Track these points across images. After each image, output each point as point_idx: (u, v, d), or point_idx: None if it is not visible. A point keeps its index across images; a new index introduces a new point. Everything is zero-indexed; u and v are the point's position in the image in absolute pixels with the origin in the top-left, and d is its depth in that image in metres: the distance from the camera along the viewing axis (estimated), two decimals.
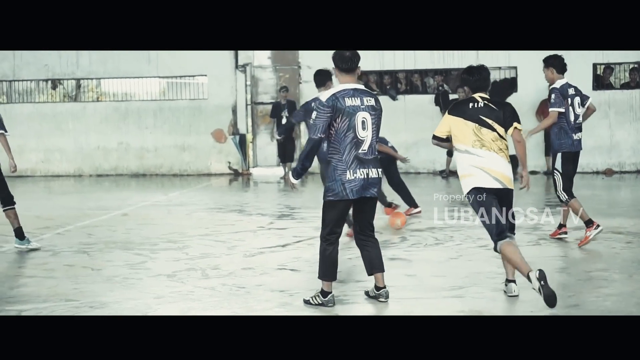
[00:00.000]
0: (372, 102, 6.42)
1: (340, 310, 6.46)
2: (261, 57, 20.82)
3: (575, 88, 9.25)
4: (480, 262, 8.32)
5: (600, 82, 18.82)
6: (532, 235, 9.73)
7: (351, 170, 6.31)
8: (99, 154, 20.32)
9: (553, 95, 8.98)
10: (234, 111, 19.92)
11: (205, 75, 20.04)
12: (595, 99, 18.49)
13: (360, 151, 6.33)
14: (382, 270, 6.64)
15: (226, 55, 19.72)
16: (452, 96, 18.67)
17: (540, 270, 6.14)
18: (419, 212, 11.46)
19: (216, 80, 19.87)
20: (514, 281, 6.78)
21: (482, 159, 6.55)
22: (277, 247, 9.39)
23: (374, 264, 6.62)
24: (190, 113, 20.05)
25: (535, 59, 18.22)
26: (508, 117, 6.68)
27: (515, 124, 6.67)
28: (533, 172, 17.58)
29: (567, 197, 9.13)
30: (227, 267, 8.20)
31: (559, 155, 9.16)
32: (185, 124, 20.07)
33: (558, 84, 9.08)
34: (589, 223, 9.14)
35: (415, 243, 9.50)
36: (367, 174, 6.36)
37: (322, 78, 8.83)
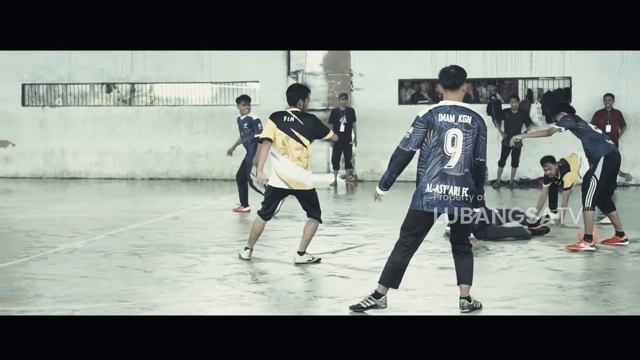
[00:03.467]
0: (468, 120, 6.35)
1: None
2: (313, 64, 20.89)
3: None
4: (532, 273, 8.24)
5: None
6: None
7: (431, 184, 6.34)
8: (151, 158, 20.53)
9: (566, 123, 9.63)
10: None
11: (258, 82, 20.12)
12: None
13: (445, 167, 6.32)
14: (467, 283, 6.68)
15: (278, 62, 19.77)
16: (504, 106, 18.51)
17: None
18: (248, 211, 12.81)
19: (268, 87, 19.91)
20: (251, 249, 8.86)
21: (281, 165, 8.48)
22: (326, 253, 9.39)
23: (459, 276, 6.71)
24: None
25: (589, 69, 18.29)
26: (314, 127, 8.48)
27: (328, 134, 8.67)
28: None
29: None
30: (277, 272, 8.23)
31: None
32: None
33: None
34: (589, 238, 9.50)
35: None
36: (447, 190, 6.32)
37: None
